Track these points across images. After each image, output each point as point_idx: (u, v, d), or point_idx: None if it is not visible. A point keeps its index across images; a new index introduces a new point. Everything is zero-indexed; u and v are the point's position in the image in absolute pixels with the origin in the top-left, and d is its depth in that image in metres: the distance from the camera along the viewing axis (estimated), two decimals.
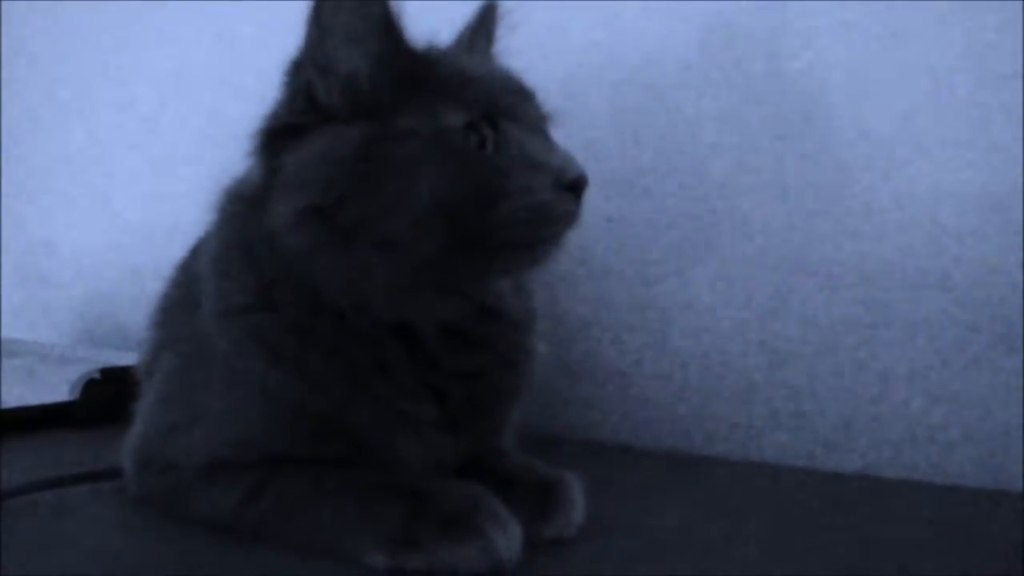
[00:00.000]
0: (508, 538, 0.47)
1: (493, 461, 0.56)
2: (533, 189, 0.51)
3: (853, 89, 0.73)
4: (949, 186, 0.70)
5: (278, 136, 0.53)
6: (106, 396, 0.87)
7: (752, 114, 0.78)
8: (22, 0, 1.46)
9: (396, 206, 0.50)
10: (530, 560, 0.48)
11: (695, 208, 0.81)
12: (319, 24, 0.52)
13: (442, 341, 0.54)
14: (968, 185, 0.69)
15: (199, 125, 1.18)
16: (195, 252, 0.61)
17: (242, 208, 0.55)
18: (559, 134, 0.57)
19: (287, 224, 0.51)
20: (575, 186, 0.52)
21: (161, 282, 0.66)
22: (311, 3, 0.52)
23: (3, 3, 1.48)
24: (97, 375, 0.90)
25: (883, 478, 0.71)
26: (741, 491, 0.66)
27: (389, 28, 0.53)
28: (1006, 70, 0.67)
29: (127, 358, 0.84)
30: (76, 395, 0.89)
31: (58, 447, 0.79)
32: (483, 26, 0.62)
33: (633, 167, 0.84)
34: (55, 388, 0.89)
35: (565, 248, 0.54)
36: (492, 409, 0.58)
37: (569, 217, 0.52)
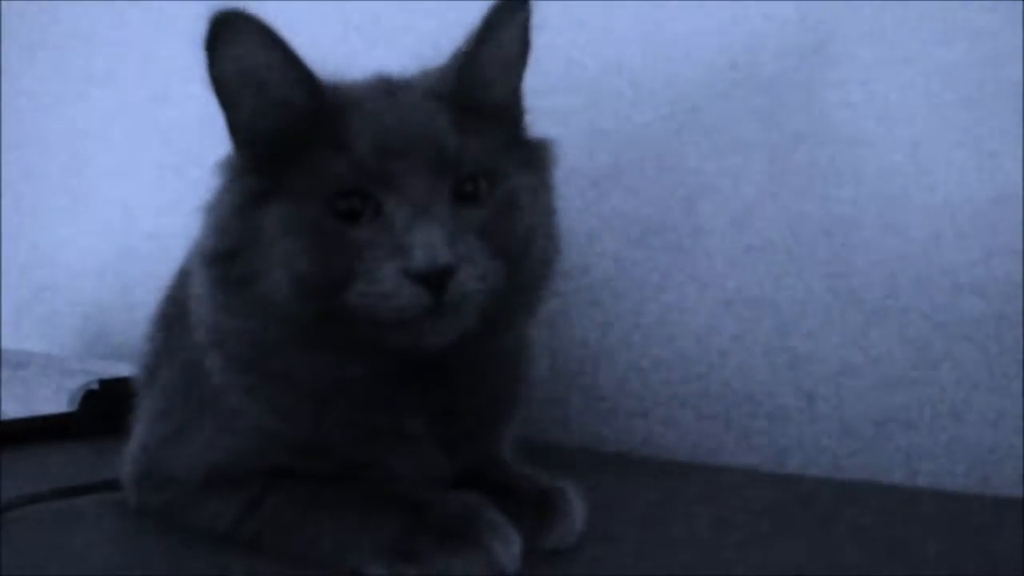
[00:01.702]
0: (507, 548, 0.47)
1: (492, 471, 0.56)
2: (377, 277, 0.47)
3: (848, 88, 0.73)
4: (947, 186, 0.69)
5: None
6: (105, 407, 0.86)
7: (743, 113, 0.78)
8: (22, 1, 1.46)
9: (270, 269, 0.49)
10: (530, 570, 0.47)
11: (684, 212, 0.81)
12: (216, 66, 0.50)
13: (429, 369, 0.53)
14: (967, 184, 0.69)
15: (201, 135, 1.18)
16: (190, 260, 0.61)
17: None
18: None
19: (196, 261, 0.52)
20: (426, 279, 0.47)
21: (160, 293, 0.66)
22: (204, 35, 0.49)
23: (3, 5, 1.48)
24: (96, 386, 0.90)
25: (880, 483, 0.71)
26: (740, 497, 0.66)
27: (289, 69, 0.50)
28: (1007, 68, 0.67)
29: (126, 369, 0.84)
30: (75, 406, 0.89)
31: (57, 458, 0.79)
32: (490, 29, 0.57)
33: (618, 167, 0.84)
34: (54, 399, 0.89)
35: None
36: (485, 426, 0.57)
37: (417, 308, 0.47)
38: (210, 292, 0.52)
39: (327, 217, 0.48)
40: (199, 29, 0.49)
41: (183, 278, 0.62)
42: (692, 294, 0.81)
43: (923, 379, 0.71)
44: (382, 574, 0.47)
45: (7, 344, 1.32)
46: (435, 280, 0.46)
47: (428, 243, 0.46)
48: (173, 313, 0.61)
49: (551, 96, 0.78)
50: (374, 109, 0.51)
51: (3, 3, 1.48)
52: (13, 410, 0.88)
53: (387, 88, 0.54)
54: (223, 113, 0.52)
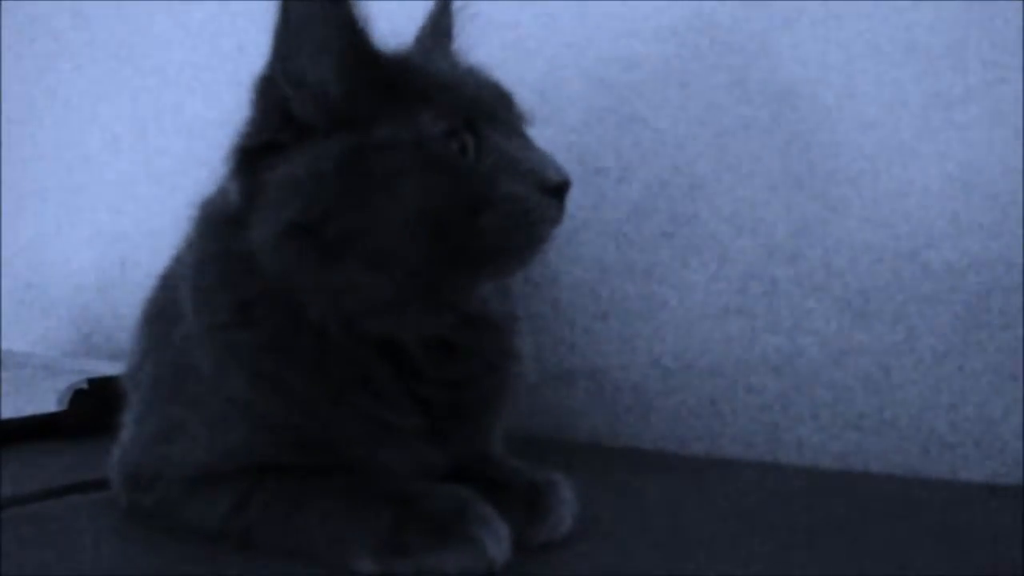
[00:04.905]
0: (497, 541, 0.47)
1: (482, 465, 0.56)
2: (516, 195, 0.51)
3: (844, 81, 0.74)
4: (946, 180, 0.70)
5: (255, 154, 0.52)
6: (94, 406, 0.86)
7: (741, 108, 0.78)
8: (22, 0, 1.45)
9: (381, 219, 0.50)
10: (519, 563, 0.48)
11: (678, 203, 0.81)
12: (286, 35, 0.51)
13: (425, 351, 0.54)
14: (966, 179, 0.69)
15: (191, 137, 1.17)
16: (176, 262, 0.61)
17: (219, 227, 0.55)
18: (539, 132, 0.57)
19: (271, 243, 0.51)
20: (558, 190, 0.52)
21: (149, 292, 0.65)
22: (276, 15, 0.51)
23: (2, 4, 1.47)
24: (85, 385, 0.89)
25: (879, 474, 0.71)
26: (731, 490, 0.66)
27: (356, 34, 0.52)
28: (1006, 63, 0.67)
29: (115, 368, 0.84)
30: (64, 406, 0.88)
31: (47, 458, 0.79)
32: (439, 25, 0.61)
33: (614, 161, 0.84)
34: (43, 399, 0.89)
35: (548, 248, 0.54)
36: (478, 416, 0.57)
37: (553, 220, 0.52)
38: (298, 266, 0.51)
39: (445, 153, 0.51)
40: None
41: (168, 275, 0.62)
42: (687, 289, 0.81)
43: (921, 373, 0.71)
44: (372, 570, 0.47)
45: None
46: (564, 191, 0.52)
47: (548, 161, 0.53)
48: (159, 312, 0.61)
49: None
50: (448, 65, 0.57)
51: (3, 1, 1.47)
52: (2, 410, 0.88)
53: (434, 54, 0.59)
54: (293, 82, 0.51)
